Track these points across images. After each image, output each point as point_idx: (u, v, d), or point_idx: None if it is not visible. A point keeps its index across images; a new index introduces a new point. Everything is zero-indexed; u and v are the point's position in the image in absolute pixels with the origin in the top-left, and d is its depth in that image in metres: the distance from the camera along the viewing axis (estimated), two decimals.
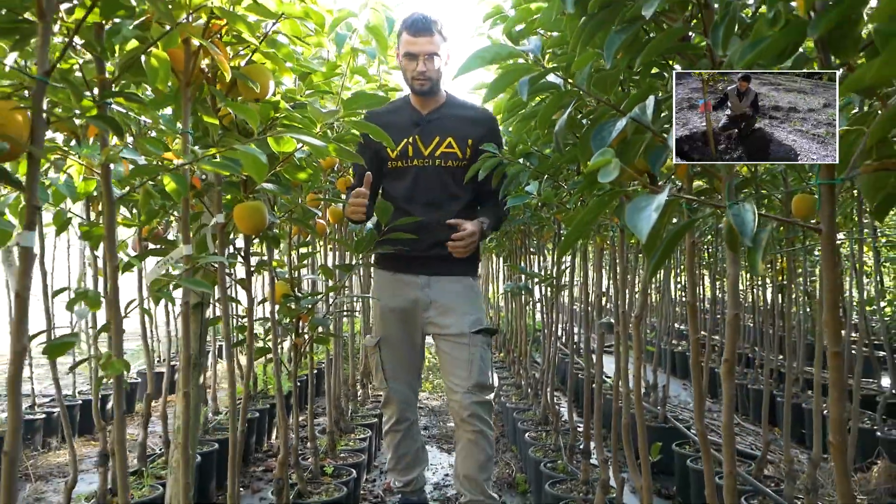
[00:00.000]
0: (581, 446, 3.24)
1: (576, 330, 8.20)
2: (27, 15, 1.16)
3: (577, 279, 7.07)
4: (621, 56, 1.53)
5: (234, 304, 2.74)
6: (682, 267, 7.48)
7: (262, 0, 1.64)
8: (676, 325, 8.36)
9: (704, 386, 3.96)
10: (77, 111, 1.14)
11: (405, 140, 3.05)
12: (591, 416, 3.16)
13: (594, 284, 3.46)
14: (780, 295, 5.30)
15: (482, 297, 3.70)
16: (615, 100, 1.63)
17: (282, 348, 3.57)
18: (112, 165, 1.28)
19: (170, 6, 1.35)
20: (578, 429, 3.74)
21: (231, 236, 2.17)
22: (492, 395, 3.06)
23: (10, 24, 1.15)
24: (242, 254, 2.20)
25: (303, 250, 3.12)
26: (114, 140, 1.60)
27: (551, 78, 1.57)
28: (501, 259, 7.62)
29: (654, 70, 1.78)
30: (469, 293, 3.10)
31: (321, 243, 4.27)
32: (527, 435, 4.04)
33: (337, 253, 4.37)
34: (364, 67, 3.20)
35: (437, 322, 3.06)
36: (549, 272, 4.46)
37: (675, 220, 1.80)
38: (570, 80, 1.55)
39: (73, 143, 1.86)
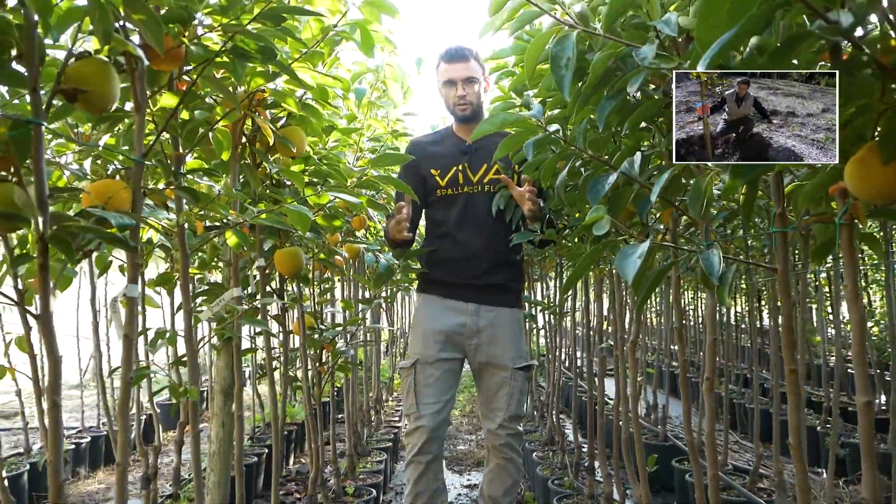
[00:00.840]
0: (586, 464, 3.47)
1: (578, 354, 8.42)
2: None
3: (580, 304, 7.31)
4: (612, 118, 1.79)
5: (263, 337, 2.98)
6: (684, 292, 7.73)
7: (301, 75, 1.90)
8: (675, 348, 8.56)
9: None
10: (164, 184, 1.40)
11: (455, 168, 3.07)
12: (595, 435, 3.39)
13: (595, 312, 3.69)
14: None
15: (524, 329, 3.58)
16: (607, 155, 1.88)
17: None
18: (186, 225, 1.53)
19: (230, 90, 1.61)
20: (583, 448, 3.96)
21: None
22: (522, 425, 3.09)
23: (109, 114, 1.41)
24: (277, 293, 2.45)
25: (324, 286, 3.35)
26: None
27: (552, 136, 1.83)
28: None
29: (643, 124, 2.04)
30: (515, 326, 3.10)
31: (337, 278, 4.52)
32: (534, 455, 4.26)
33: (350, 285, 4.62)
34: (378, 118, 3.43)
35: (483, 351, 3.03)
36: (551, 300, 4.71)
37: (661, 258, 2.05)
38: (566, 141, 1.81)
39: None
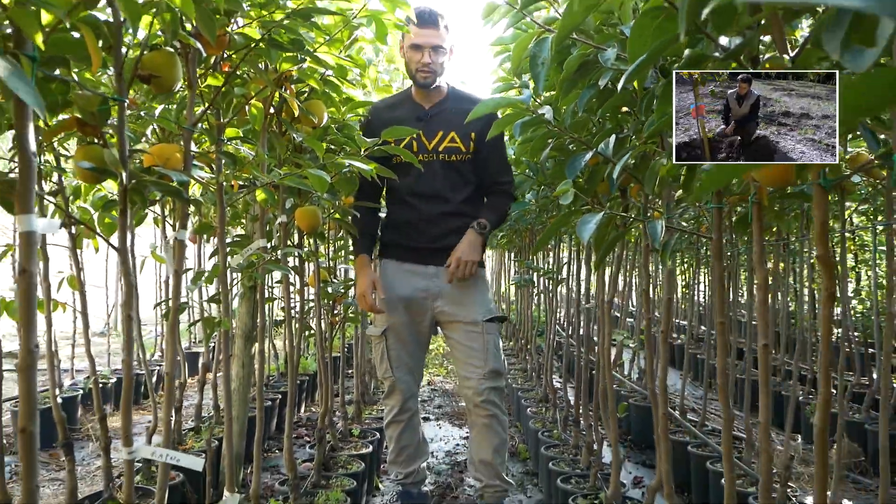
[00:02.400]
0: (573, 418, 3.78)
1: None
2: None
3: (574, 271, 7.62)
4: (592, 104, 2.07)
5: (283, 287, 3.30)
6: (686, 265, 8.01)
7: (322, 57, 2.19)
8: (676, 320, 8.86)
9: (685, 370, 4.51)
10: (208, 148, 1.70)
11: (409, 136, 3.01)
12: (581, 390, 3.70)
13: (584, 277, 3.99)
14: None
15: (489, 286, 3.67)
16: (588, 137, 2.16)
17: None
18: (223, 182, 1.84)
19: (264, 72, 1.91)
20: (573, 404, 4.27)
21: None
22: (504, 382, 3.12)
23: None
24: (297, 246, 2.75)
25: (339, 244, 3.66)
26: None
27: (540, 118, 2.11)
28: (512, 254, 8.17)
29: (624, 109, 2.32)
30: (479, 282, 3.11)
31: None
32: (528, 410, 4.59)
33: None
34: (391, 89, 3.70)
35: (449, 311, 3.07)
36: (552, 267, 5.01)
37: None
38: (552, 123, 2.09)
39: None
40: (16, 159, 1.27)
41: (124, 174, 1.26)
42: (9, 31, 0.99)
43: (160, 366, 6.33)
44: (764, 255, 1.46)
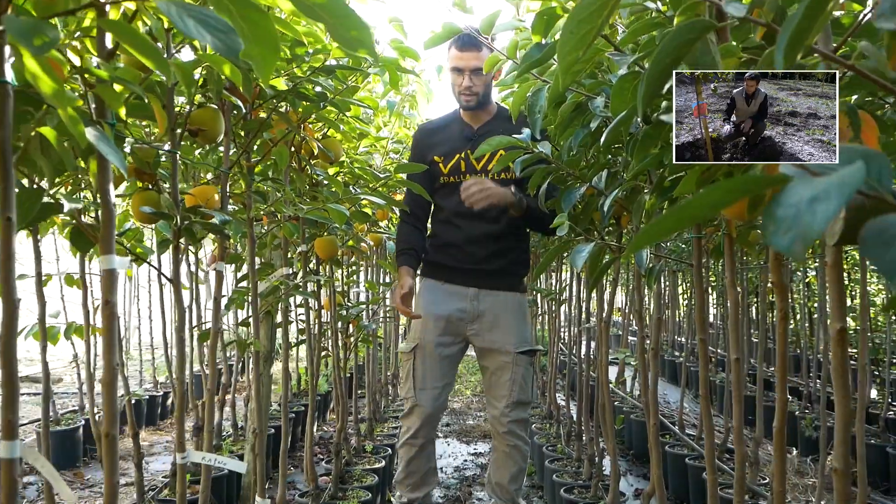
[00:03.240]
0: (576, 432, 3.97)
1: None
2: None
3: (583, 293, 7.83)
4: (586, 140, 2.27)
5: (296, 311, 3.50)
6: (688, 284, 8.19)
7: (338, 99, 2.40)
8: (677, 338, 9.03)
9: (683, 384, 4.69)
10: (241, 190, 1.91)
11: (458, 155, 3.05)
12: (583, 405, 3.88)
13: (584, 298, 4.18)
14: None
15: (529, 314, 3.67)
16: (583, 170, 2.36)
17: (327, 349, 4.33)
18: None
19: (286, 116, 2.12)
20: (576, 420, 4.45)
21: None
22: (529, 412, 3.14)
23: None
24: (314, 272, 2.96)
25: (351, 269, 3.86)
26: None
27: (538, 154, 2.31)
28: None
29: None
30: (518, 310, 3.10)
31: (361, 263, 5.04)
32: (534, 426, 4.77)
33: (371, 270, 5.14)
34: (405, 126, 3.92)
35: (484, 336, 3.06)
36: (553, 289, 5.21)
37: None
38: (549, 159, 2.29)
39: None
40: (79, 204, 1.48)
41: (178, 216, 1.47)
42: (93, 105, 1.19)
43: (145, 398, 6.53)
44: (735, 278, 1.66)
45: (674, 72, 0.86)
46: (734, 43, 1.04)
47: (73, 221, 1.31)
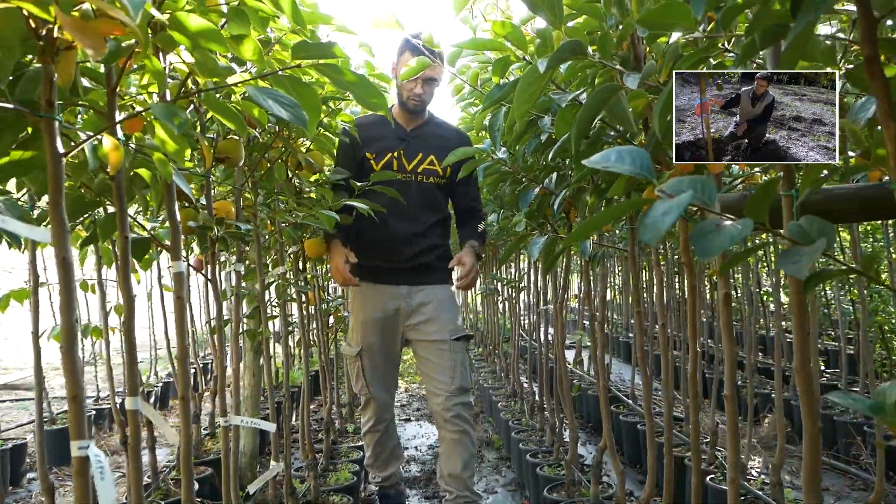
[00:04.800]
0: (538, 406, 4.39)
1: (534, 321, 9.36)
2: None
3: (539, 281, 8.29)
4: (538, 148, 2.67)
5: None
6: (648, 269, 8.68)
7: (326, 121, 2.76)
8: (630, 320, 9.54)
9: (633, 362, 5.13)
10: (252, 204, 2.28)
11: (390, 154, 3.14)
12: (543, 382, 4.30)
13: (541, 286, 4.60)
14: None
15: (458, 304, 3.91)
16: (536, 173, 2.76)
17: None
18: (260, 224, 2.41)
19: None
20: (537, 396, 4.87)
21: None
22: (471, 397, 3.21)
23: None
24: (301, 270, 3.32)
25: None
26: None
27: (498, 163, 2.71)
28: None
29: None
30: (448, 301, 3.24)
31: None
32: (499, 405, 5.19)
33: None
34: None
35: (420, 329, 3.17)
36: (512, 277, 5.63)
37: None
38: (507, 166, 2.69)
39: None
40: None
41: (216, 229, 1.84)
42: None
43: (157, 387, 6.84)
44: (637, 260, 2.06)
45: (597, 118, 1.27)
46: (642, 89, 1.44)
47: (146, 236, 1.67)
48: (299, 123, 1.15)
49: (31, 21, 1.02)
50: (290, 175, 2.90)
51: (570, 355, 6.56)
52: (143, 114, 1.24)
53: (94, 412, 5.56)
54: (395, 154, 3.13)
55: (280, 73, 1.23)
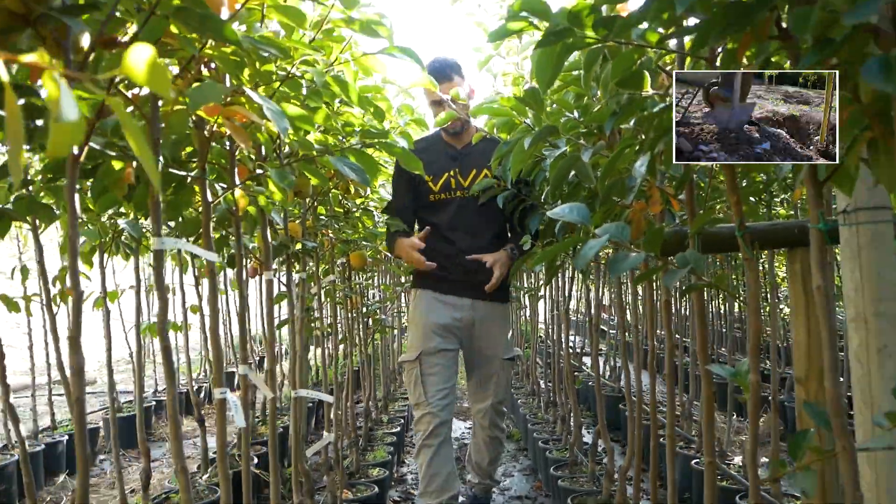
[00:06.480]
0: (552, 401, 4.93)
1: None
2: None
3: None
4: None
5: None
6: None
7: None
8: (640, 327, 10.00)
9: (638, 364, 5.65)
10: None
11: (447, 174, 3.25)
12: (558, 380, 4.85)
13: (561, 292, 5.15)
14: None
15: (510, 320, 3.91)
16: (543, 204, 3.30)
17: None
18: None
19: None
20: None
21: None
22: (506, 408, 3.51)
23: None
24: (347, 278, 3.91)
25: (369, 274, 4.81)
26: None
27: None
28: None
29: None
30: (504, 319, 3.42)
31: (375, 269, 6.03)
32: (519, 401, 5.75)
33: (385, 276, 6.14)
34: None
35: (477, 342, 3.31)
36: (532, 286, 6.19)
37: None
38: (522, 194, 3.24)
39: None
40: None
41: (294, 247, 2.43)
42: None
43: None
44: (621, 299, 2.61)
45: (570, 174, 1.84)
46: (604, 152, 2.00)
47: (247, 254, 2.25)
48: (364, 184, 1.73)
49: (192, 117, 1.61)
50: (342, 198, 3.48)
51: (586, 361, 7.11)
52: (263, 173, 1.82)
53: (154, 403, 6.20)
54: (452, 173, 3.26)
55: (354, 145, 1.81)
